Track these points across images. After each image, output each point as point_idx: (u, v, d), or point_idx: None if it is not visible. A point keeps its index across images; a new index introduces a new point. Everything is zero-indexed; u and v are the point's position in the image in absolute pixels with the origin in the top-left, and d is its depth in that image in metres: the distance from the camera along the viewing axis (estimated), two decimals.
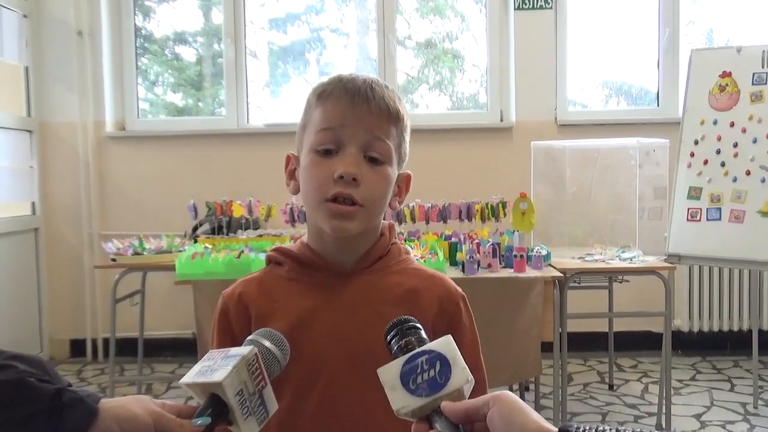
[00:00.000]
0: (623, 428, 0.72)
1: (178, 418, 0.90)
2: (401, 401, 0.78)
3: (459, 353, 0.80)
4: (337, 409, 1.06)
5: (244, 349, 0.86)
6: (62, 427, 0.85)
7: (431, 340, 0.83)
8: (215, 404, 0.82)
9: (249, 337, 0.91)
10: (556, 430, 0.73)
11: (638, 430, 0.71)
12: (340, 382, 1.06)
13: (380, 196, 1.07)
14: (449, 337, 0.82)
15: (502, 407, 0.74)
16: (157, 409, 0.89)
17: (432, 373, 0.78)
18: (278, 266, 1.15)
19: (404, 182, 1.15)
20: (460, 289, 1.16)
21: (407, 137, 1.13)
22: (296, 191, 1.12)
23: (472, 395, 0.79)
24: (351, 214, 1.04)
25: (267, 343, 0.90)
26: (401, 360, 0.80)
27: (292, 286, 1.11)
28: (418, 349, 0.81)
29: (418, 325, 0.85)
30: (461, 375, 0.78)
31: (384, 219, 1.17)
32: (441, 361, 0.79)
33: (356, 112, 1.04)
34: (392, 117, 1.07)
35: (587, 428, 0.72)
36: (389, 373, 0.80)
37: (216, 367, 0.84)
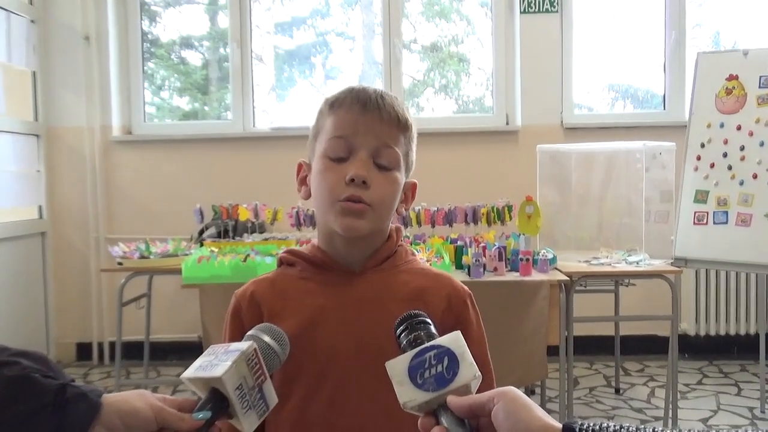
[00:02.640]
0: (627, 425, 0.72)
1: (179, 412, 0.90)
2: (408, 395, 0.79)
3: (467, 349, 0.81)
4: (348, 404, 1.09)
5: (243, 345, 0.87)
6: (66, 421, 0.86)
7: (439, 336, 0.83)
8: (216, 398, 0.84)
9: (248, 332, 0.93)
10: (560, 426, 0.73)
11: (641, 426, 0.71)
12: (352, 377, 1.09)
13: (389, 199, 1.12)
14: (458, 333, 0.82)
15: (507, 403, 0.75)
16: (158, 403, 0.90)
17: (440, 368, 0.79)
18: (290, 267, 1.19)
19: (410, 190, 1.21)
20: (466, 288, 1.20)
21: (414, 146, 1.19)
22: (307, 197, 1.17)
23: (481, 390, 0.80)
24: (361, 212, 1.08)
25: (266, 338, 0.91)
26: (410, 354, 0.81)
27: (304, 285, 1.15)
28: (426, 344, 0.81)
29: (428, 320, 0.86)
30: (469, 371, 0.79)
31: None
32: (449, 356, 0.80)
33: (367, 120, 1.10)
34: (401, 125, 1.13)
35: (591, 425, 0.72)
36: (397, 367, 0.81)
37: (216, 362, 0.85)
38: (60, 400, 0.87)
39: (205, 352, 0.89)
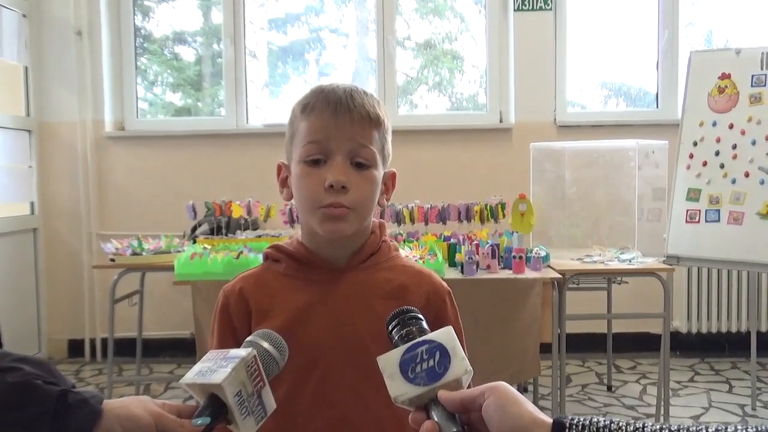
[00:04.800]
0: (617, 420, 0.72)
1: (178, 418, 0.91)
2: (399, 389, 0.80)
3: (459, 344, 0.81)
4: (332, 397, 1.13)
5: (243, 351, 0.88)
6: (67, 427, 0.88)
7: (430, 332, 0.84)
8: (214, 404, 0.84)
9: (248, 338, 0.93)
10: (551, 421, 0.74)
11: (632, 422, 0.72)
12: (335, 371, 1.13)
13: (369, 198, 1.14)
14: (450, 328, 0.83)
15: (498, 398, 0.76)
16: (157, 409, 0.92)
17: (431, 362, 0.80)
18: (275, 263, 1.21)
19: (390, 180, 1.22)
20: (446, 285, 1.23)
21: (389, 138, 1.20)
22: (289, 198, 1.19)
23: None
24: (343, 216, 1.11)
25: (265, 345, 0.92)
26: (401, 349, 0.82)
27: (290, 282, 1.18)
28: (418, 339, 0.82)
29: (420, 316, 0.87)
30: (460, 365, 0.80)
31: (381, 218, 1.22)
32: (440, 351, 0.80)
33: (339, 123, 1.11)
34: (373, 122, 1.14)
35: (581, 419, 0.72)
36: (389, 361, 0.81)
37: (215, 368, 0.85)
38: (61, 406, 0.88)
39: (204, 357, 0.90)
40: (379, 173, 1.16)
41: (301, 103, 1.16)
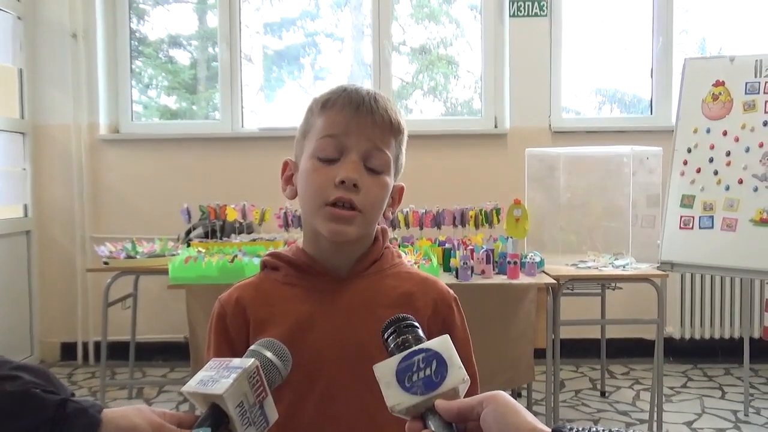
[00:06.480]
0: (615, 429, 0.72)
1: (179, 428, 0.91)
2: (396, 398, 0.79)
3: (455, 353, 0.80)
4: (335, 412, 1.08)
5: (245, 361, 0.87)
6: None
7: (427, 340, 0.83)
8: (215, 414, 0.83)
9: (251, 347, 0.92)
10: (550, 431, 0.73)
11: (630, 431, 0.72)
12: (339, 384, 1.08)
13: (378, 203, 1.11)
14: (446, 337, 0.82)
15: (496, 407, 0.75)
16: (158, 419, 0.91)
17: (428, 371, 0.79)
18: (274, 271, 1.17)
19: (398, 194, 1.19)
20: (452, 292, 1.19)
21: (404, 150, 1.17)
22: (293, 196, 1.15)
23: (466, 393, 0.80)
24: (350, 219, 1.07)
25: (269, 354, 0.90)
26: (397, 357, 0.81)
27: (289, 291, 1.13)
28: (414, 348, 0.81)
29: (416, 324, 0.86)
30: (457, 374, 0.79)
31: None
32: (437, 360, 0.79)
33: (359, 121, 1.08)
34: (393, 129, 1.11)
35: (580, 429, 0.72)
36: (385, 369, 0.81)
37: (217, 377, 0.85)
38: (60, 415, 0.87)
39: (207, 366, 0.89)
40: (391, 181, 1.12)
41: (321, 99, 1.12)
